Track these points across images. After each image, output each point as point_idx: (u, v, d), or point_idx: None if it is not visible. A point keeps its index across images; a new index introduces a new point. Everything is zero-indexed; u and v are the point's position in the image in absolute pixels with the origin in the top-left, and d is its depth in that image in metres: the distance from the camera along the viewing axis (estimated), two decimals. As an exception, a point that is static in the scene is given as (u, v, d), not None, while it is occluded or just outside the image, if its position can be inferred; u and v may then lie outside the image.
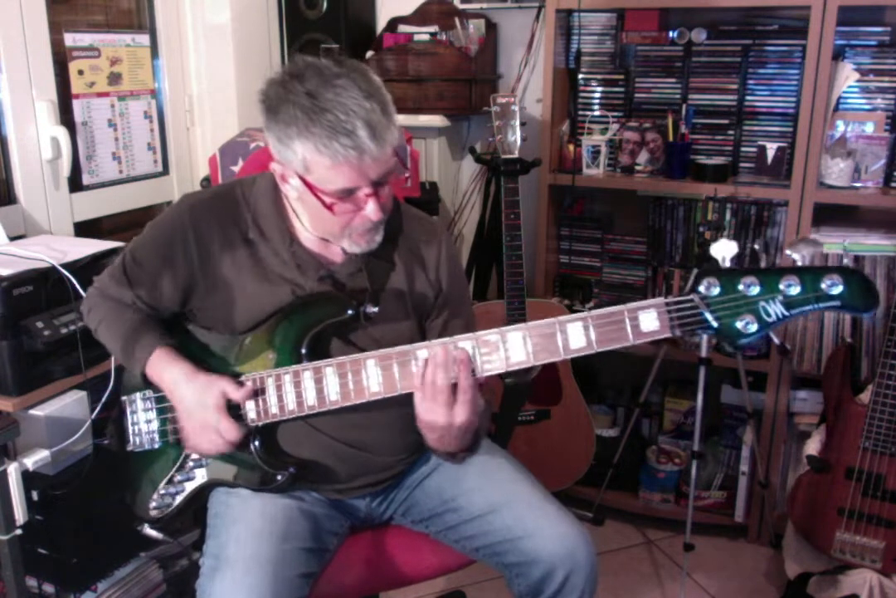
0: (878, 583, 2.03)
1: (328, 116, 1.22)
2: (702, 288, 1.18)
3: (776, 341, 1.25)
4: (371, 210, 1.30)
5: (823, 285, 1.14)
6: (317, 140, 1.22)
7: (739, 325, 1.17)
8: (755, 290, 1.16)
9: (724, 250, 1.21)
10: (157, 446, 1.48)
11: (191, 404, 1.37)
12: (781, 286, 1.16)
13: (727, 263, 1.21)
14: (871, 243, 2.22)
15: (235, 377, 1.39)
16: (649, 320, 1.20)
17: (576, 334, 1.23)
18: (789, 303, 1.16)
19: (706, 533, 2.52)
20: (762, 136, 2.37)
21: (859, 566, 2.07)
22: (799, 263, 1.17)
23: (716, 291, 1.17)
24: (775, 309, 1.16)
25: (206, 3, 2.59)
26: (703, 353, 2.19)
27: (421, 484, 1.54)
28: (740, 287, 1.17)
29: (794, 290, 1.15)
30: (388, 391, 1.32)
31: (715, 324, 1.18)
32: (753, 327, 1.17)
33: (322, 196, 1.29)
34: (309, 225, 1.41)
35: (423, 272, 1.49)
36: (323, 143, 1.22)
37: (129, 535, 1.56)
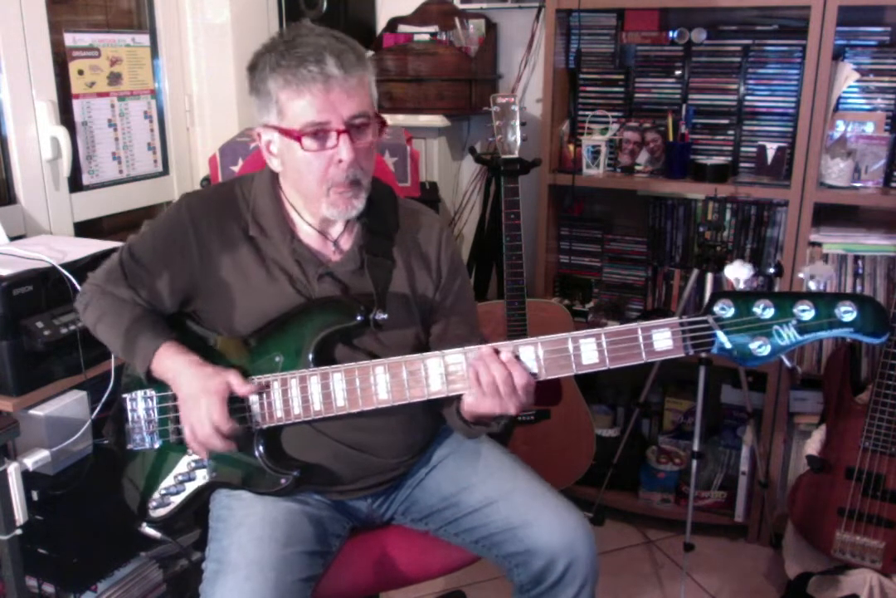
0: (878, 583, 2.03)
1: (299, 51, 1.27)
2: (716, 309, 1.19)
3: (788, 364, 1.25)
4: (344, 150, 1.30)
5: (837, 312, 1.15)
6: (285, 71, 1.27)
7: (752, 347, 1.18)
8: (769, 313, 1.17)
9: (738, 273, 1.22)
10: (157, 445, 1.47)
11: (191, 390, 1.35)
12: (795, 311, 1.17)
13: (741, 286, 1.21)
14: (871, 243, 2.22)
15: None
16: (663, 339, 1.22)
17: (588, 351, 1.24)
18: (802, 328, 1.17)
19: (706, 533, 2.52)
20: (762, 136, 2.37)
21: (859, 566, 2.07)
22: (813, 289, 1.18)
23: (730, 312, 1.19)
24: (788, 333, 1.17)
25: (206, 3, 2.59)
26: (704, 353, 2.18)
27: (421, 483, 1.54)
28: (755, 310, 1.18)
29: (808, 315, 1.16)
30: (397, 399, 1.32)
31: (728, 345, 1.19)
32: (766, 350, 1.18)
33: (295, 133, 1.29)
34: (293, 192, 1.41)
35: (424, 267, 1.49)
36: (291, 72, 1.27)
37: (129, 535, 1.56)
